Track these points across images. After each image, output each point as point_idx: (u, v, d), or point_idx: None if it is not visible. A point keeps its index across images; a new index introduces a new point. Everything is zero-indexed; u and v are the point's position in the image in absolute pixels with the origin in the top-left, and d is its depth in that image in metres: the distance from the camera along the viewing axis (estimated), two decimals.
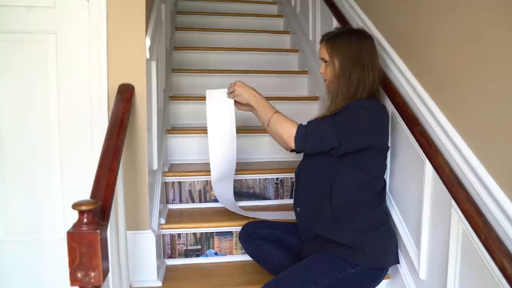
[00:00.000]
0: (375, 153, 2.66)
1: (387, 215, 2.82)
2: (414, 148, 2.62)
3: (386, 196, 2.95)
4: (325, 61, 2.76)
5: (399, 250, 2.84)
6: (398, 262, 2.79)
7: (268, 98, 4.29)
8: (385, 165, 2.81)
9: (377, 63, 2.74)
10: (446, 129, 2.35)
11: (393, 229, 2.81)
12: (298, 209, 2.86)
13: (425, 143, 2.48)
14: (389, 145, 2.82)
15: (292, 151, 2.66)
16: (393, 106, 2.84)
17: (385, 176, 2.89)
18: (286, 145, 2.63)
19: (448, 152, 2.32)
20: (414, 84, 2.69)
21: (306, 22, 5.05)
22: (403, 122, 2.72)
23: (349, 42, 2.68)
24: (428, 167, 2.49)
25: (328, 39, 2.76)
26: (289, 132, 2.57)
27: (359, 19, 3.51)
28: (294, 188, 2.96)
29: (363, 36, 2.75)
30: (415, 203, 2.67)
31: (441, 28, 2.46)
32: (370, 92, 2.67)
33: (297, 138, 2.55)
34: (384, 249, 2.67)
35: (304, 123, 2.62)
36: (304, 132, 2.55)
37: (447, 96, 2.40)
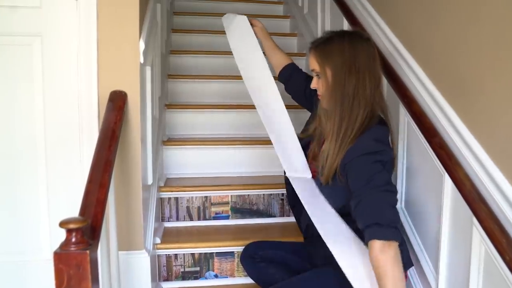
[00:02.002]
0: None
1: None
2: (432, 160, 2.62)
3: (401, 212, 2.95)
4: (317, 74, 2.60)
5: (415, 272, 2.84)
6: (412, 264, 2.75)
7: None
8: None
9: (377, 70, 2.56)
10: (467, 140, 2.35)
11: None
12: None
13: (444, 155, 2.48)
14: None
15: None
16: (409, 116, 2.83)
17: (399, 190, 2.91)
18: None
19: (469, 165, 2.32)
20: (433, 92, 2.68)
21: (315, 23, 5.05)
22: (420, 133, 2.72)
23: (341, 46, 2.51)
24: (447, 181, 2.48)
25: (317, 46, 2.59)
26: (392, 246, 2.22)
27: (372, 20, 3.51)
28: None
29: (358, 38, 2.59)
30: (433, 220, 2.66)
31: (463, 30, 2.46)
32: (370, 106, 2.49)
33: (396, 238, 2.23)
34: None
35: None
36: (387, 227, 2.25)
37: (468, 104, 2.40)
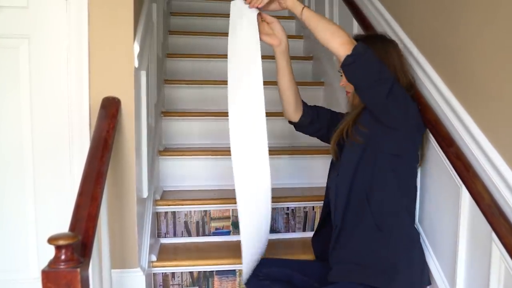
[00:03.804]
0: (412, 160, 2.76)
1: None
2: (448, 171, 2.62)
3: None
4: None
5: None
6: (429, 283, 2.79)
7: (277, 114, 4.29)
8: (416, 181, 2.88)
9: (408, 72, 2.79)
10: (485, 150, 2.34)
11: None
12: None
13: (461, 167, 2.48)
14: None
15: (342, 63, 2.53)
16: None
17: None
18: (338, 49, 2.54)
19: (488, 176, 2.32)
20: (449, 98, 2.68)
21: None
22: (435, 142, 2.72)
23: (374, 46, 2.65)
24: (465, 194, 2.48)
25: None
26: (346, 39, 2.53)
27: (385, 22, 3.51)
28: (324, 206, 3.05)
29: (387, 40, 2.82)
30: (449, 236, 2.65)
31: (481, 32, 2.46)
32: None
33: (357, 45, 2.50)
34: (420, 268, 2.70)
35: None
36: (366, 47, 2.54)
37: (487, 111, 2.40)
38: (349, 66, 2.49)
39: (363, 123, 2.66)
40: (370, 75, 2.50)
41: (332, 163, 3.03)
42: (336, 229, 2.75)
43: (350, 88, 2.77)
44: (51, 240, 1.66)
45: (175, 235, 3.74)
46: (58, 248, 1.66)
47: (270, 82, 4.62)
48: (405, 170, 2.69)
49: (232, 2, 2.82)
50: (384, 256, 2.60)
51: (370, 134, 2.62)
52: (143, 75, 3.13)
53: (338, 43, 2.51)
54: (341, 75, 2.83)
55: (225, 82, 4.75)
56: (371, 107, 2.59)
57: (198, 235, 3.75)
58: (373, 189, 2.64)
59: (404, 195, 2.68)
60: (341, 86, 2.85)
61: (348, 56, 2.47)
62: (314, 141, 4.09)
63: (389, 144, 2.62)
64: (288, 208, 3.84)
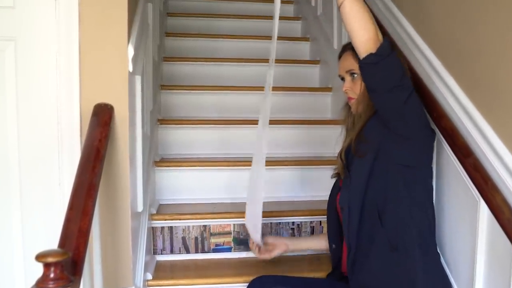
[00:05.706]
0: (425, 173, 2.76)
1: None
2: (465, 184, 2.61)
3: None
4: (353, 73, 2.79)
5: None
6: None
7: (281, 122, 4.29)
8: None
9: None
10: (506, 161, 2.34)
11: None
12: (333, 245, 2.89)
13: (480, 179, 2.47)
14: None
15: (363, 60, 2.53)
16: (439, 132, 2.83)
17: None
18: (362, 43, 2.51)
19: (508, 189, 2.31)
20: (466, 105, 2.67)
21: (330, 26, 5.04)
22: (451, 152, 2.71)
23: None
24: (483, 208, 2.47)
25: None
26: (374, 35, 2.50)
27: (396, 21, 3.50)
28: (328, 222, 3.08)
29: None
30: (466, 252, 2.65)
31: (503, 32, 2.45)
32: None
33: (383, 45, 2.49)
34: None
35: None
36: (391, 48, 2.53)
37: (507, 119, 2.39)
38: (370, 65, 2.48)
39: (368, 136, 2.67)
40: (391, 79, 2.49)
41: (334, 185, 3.06)
42: (351, 252, 2.75)
43: (354, 93, 2.78)
44: (39, 257, 1.65)
45: (172, 251, 3.73)
46: (47, 266, 1.66)
47: (276, 88, 4.64)
48: (417, 183, 2.67)
49: None
50: (402, 278, 2.59)
51: (378, 145, 2.62)
52: (138, 80, 3.13)
53: (366, 38, 2.47)
54: (342, 78, 2.86)
55: (225, 88, 4.77)
56: (385, 112, 2.58)
57: (197, 251, 3.74)
58: (386, 204, 2.63)
59: (419, 209, 2.65)
60: (344, 91, 2.84)
61: (371, 55, 2.46)
62: (320, 151, 4.09)
63: (400, 154, 2.61)
64: (293, 223, 3.83)
